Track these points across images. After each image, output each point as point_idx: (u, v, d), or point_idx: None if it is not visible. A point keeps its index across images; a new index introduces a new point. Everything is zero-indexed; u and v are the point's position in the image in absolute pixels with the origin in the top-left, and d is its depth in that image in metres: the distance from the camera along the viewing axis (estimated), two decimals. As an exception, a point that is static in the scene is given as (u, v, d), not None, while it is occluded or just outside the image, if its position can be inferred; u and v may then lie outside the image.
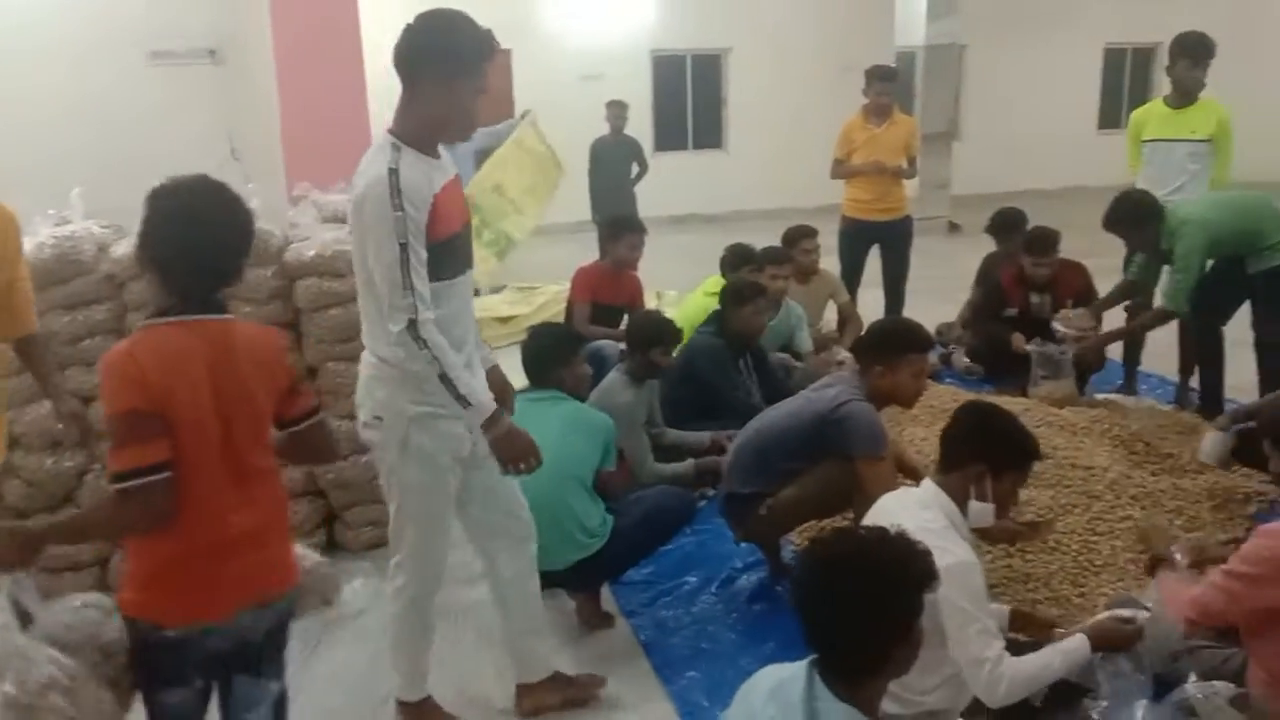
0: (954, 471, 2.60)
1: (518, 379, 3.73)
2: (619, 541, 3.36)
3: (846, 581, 1.77)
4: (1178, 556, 2.92)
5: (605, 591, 3.55)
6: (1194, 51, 5.20)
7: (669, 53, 13.94)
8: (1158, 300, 5.00)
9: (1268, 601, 2.42)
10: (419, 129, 2.50)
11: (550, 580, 3.39)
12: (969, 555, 2.49)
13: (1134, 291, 5.18)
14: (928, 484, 2.66)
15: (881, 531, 1.88)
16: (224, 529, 1.96)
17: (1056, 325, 5.11)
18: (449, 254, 2.50)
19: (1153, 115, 5.42)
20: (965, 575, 2.41)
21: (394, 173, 2.38)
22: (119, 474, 1.84)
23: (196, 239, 1.95)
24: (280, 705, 2.20)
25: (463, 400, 2.43)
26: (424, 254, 2.40)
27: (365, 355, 2.64)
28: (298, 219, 4.11)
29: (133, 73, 8.67)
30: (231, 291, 3.70)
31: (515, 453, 2.57)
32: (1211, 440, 4.18)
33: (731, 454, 3.67)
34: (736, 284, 4.82)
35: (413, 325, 2.37)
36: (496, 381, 2.78)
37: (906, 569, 1.80)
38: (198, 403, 1.91)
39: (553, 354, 3.56)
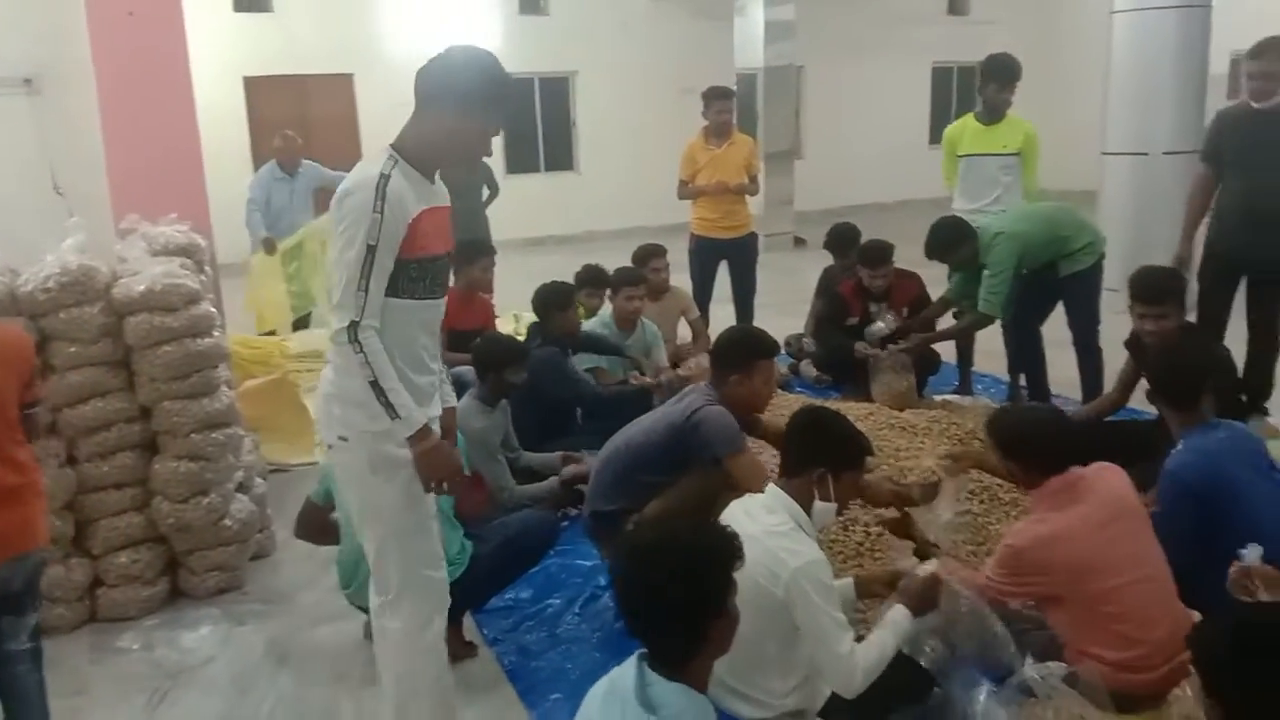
0: (797, 476, 2.71)
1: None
2: (480, 568, 3.33)
3: (658, 565, 1.84)
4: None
5: (468, 620, 3.50)
6: (999, 75, 5.61)
7: (516, 76, 13.94)
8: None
9: (1032, 592, 2.78)
10: (418, 150, 2.50)
11: (409, 611, 3.34)
12: (818, 553, 2.60)
13: (948, 307, 5.56)
14: (772, 489, 2.75)
15: (688, 520, 1.99)
16: None
17: (878, 325, 5.46)
18: (424, 274, 2.47)
19: (966, 131, 5.78)
20: (817, 572, 2.53)
21: (384, 178, 2.37)
22: None
23: None
24: (36, 630, 2.65)
25: (390, 409, 2.35)
26: (389, 265, 2.36)
27: (325, 372, 2.54)
28: (126, 253, 3.92)
29: (-60, 103, 8.15)
30: (57, 330, 3.57)
31: (438, 470, 2.45)
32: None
33: (594, 473, 3.68)
34: (555, 290, 4.94)
35: (353, 327, 2.32)
36: (447, 422, 2.69)
37: (712, 548, 1.88)
38: None
39: None
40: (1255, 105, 4.69)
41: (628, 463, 3.50)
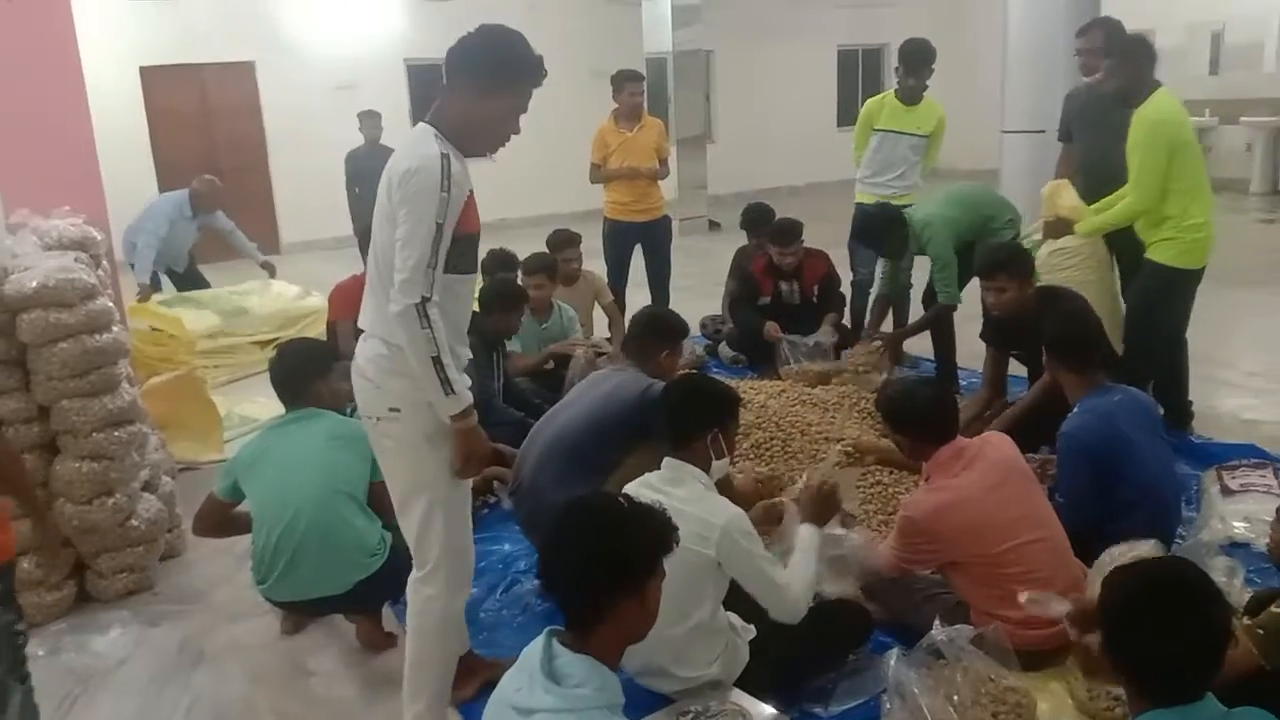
0: (691, 445, 2.79)
1: (278, 403, 3.61)
2: (399, 560, 3.29)
3: (589, 525, 1.89)
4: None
5: (387, 611, 3.47)
6: (909, 61, 5.85)
7: (424, 62, 13.73)
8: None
9: (931, 559, 2.91)
10: (452, 130, 2.52)
11: (328, 605, 3.30)
12: (734, 508, 2.75)
13: (891, 304, 5.68)
14: (669, 462, 2.80)
15: (627, 497, 2.01)
16: None
17: (854, 366, 5.40)
18: (469, 250, 2.55)
19: (885, 107, 5.98)
20: (741, 523, 2.67)
21: (446, 158, 2.41)
22: None
23: None
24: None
25: (448, 385, 2.39)
26: (448, 244, 2.40)
27: (370, 346, 2.55)
28: (17, 248, 3.78)
29: None
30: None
31: (475, 449, 2.52)
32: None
33: (531, 466, 3.60)
34: (506, 290, 4.85)
35: (425, 303, 2.35)
36: None
37: (647, 527, 1.91)
38: None
39: (307, 368, 3.43)
40: (1085, 80, 4.99)
41: (577, 446, 3.50)
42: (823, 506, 2.93)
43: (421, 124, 2.55)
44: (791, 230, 5.73)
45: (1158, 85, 4.24)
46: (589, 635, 1.87)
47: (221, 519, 3.39)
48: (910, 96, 5.89)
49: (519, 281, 5.38)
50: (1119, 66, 4.29)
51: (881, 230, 5.26)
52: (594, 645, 1.86)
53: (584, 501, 2.01)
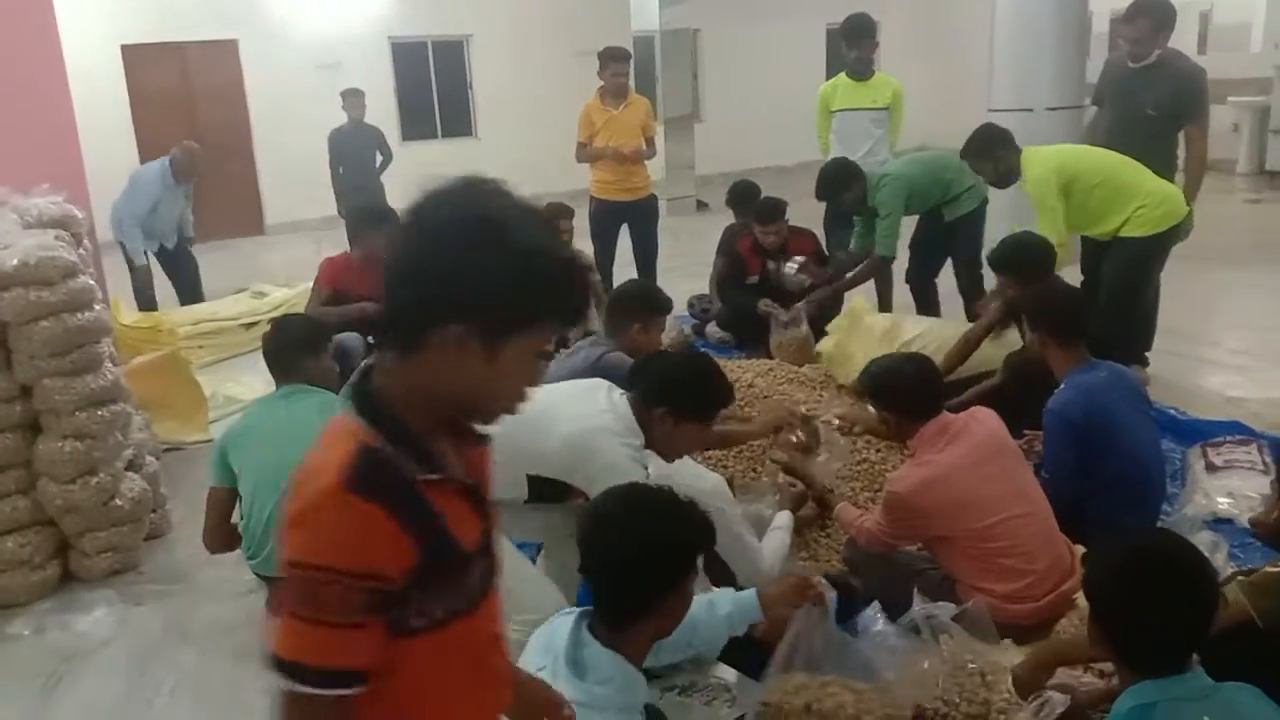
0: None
1: (264, 383, 3.58)
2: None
3: (637, 523, 1.86)
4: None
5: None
6: (849, 34, 6.04)
7: (409, 39, 13.64)
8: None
9: (918, 534, 2.90)
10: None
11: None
12: (714, 474, 2.95)
13: (864, 258, 5.62)
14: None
15: (674, 495, 1.95)
16: None
17: (789, 266, 5.50)
18: None
19: (839, 88, 6.14)
20: (723, 488, 2.85)
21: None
22: None
23: None
24: None
25: None
26: None
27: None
28: (-4, 226, 3.75)
29: None
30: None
31: None
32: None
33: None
34: None
35: None
36: None
37: (691, 526, 1.89)
38: None
39: (299, 343, 3.41)
40: (1132, 65, 4.97)
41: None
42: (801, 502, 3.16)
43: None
44: (774, 208, 5.71)
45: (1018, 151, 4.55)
46: (623, 627, 1.85)
47: (233, 529, 3.33)
48: (859, 70, 6.04)
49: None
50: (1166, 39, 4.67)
51: (835, 182, 5.31)
52: (626, 640, 1.85)
53: (632, 492, 1.98)
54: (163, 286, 7.33)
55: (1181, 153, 5.00)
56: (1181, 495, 3.79)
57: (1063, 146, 4.85)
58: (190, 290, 7.39)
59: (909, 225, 5.55)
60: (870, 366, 3.14)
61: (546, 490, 2.62)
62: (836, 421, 3.96)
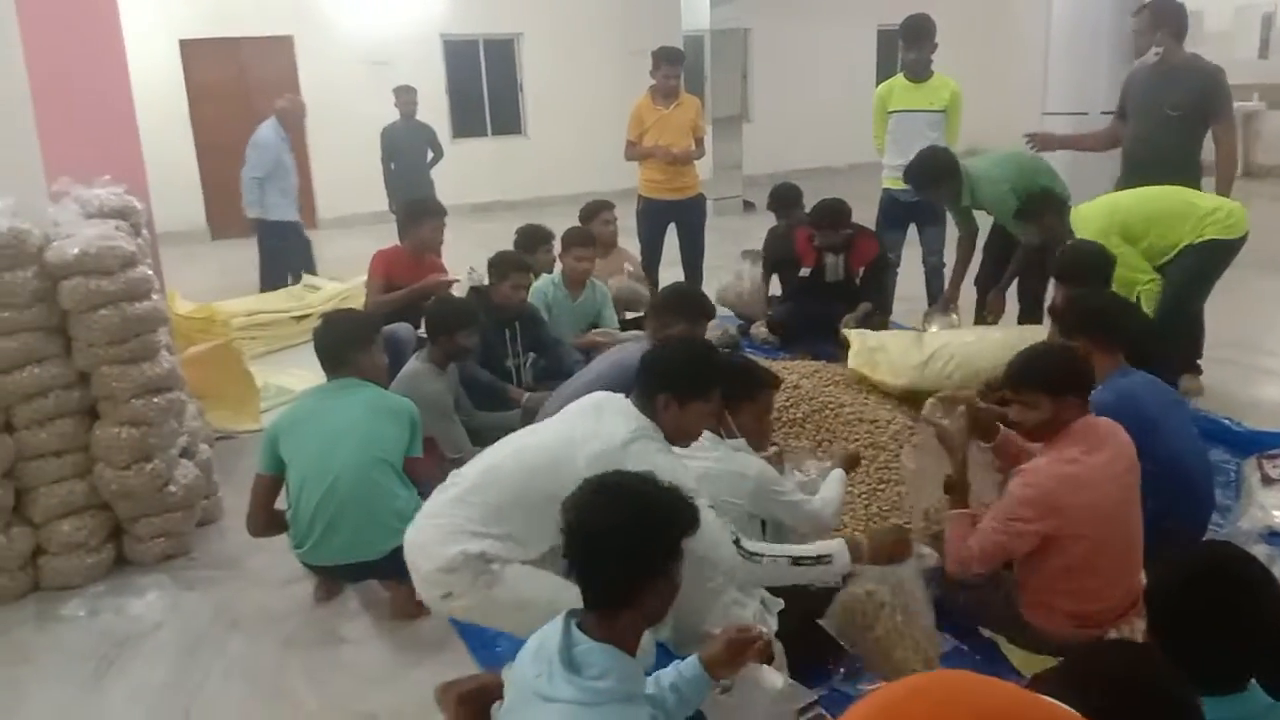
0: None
1: (315, 374, 3.63)
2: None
3: (615, 506, 1.86)
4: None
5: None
6: (907, 35, 5.94)
7: (461, 37, 13.74)
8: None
9: (1046, 531, 2.70)
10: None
11: (365, 570, 3.34)
12: (758, 460, 2.95)
13: (970, 242, 5.58)
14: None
15: (656, 481, 1.95)
16: None
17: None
18: None
19: (895, 89, 6.04)
20: (769, 471, 2.90)
21: None
22: None
23: None
24: None
25: None
26: None
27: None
28: (59, 216, 3.83)
29: None
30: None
31: None
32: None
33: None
34: (496, 260, 4.83)
35: None
36: None
37: (673, 509, 1.89)
38: None
39: (349, 337, 3.47)
40: (1136, 60, 5.09)
41: None
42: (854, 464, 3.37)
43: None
44: (835, 214, 5.60)
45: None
46: (610, 618, 1.85)
47: (275, 515, 3.42)
48: (916, 72, 5.94)
49: (557, 257, 5.38)
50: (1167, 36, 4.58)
51: (936, 173, 5.15)
52: (614, 629, 1.84)
53: (614, 478, 1.99)
54: (226, 274, 7.53)
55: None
56: (1236, 507, 3.72)
57: (1105, 198, 4.70)
58: (307, 265, 7.72)
59: (983, 226, 5.51)
60: (1026, 354, 2.93)
61: None
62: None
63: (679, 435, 2.67)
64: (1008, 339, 4.38)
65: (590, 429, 2.63)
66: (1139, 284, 4.37)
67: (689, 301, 3.81)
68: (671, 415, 2.63)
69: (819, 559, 2.58)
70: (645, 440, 2.57)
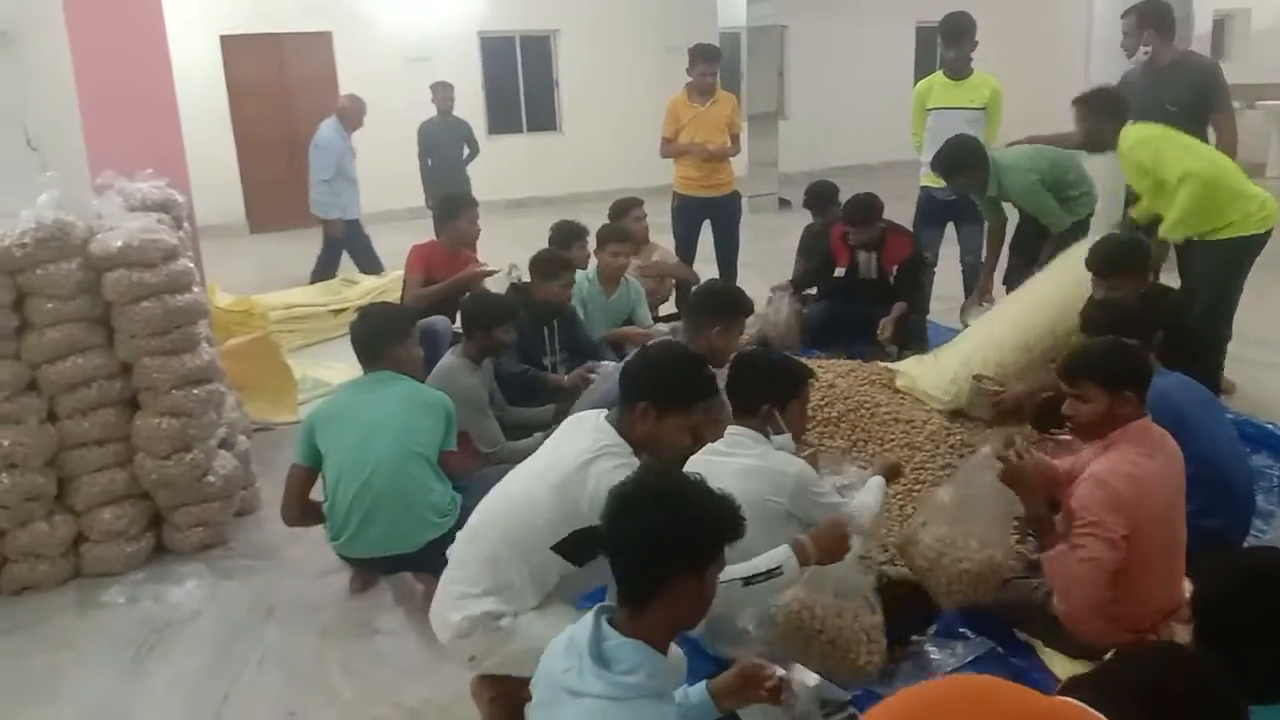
0: (753, 417, 2.87)
1: (351, 367, 3.65)
2: (470, 519, 3.34)
3: (660, 501, 1.85)
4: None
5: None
6: (946, 34, 5.91)
7: (497, 34, 13.79)
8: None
9: (1132, 528, 2.61)
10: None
11: (399, 563, 3.36)
12: (799, 461, 2.88)
13: (1000, 232, 5.56)
14: (734, 430, 2.89)
15: (703, 483, 1.93)
16: None
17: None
18: None
19: (934, 86, 6.02)
20: (808, 471, 2.87)
21: None
22: None
23: None
24: None
25: None
26: None
27: None
28: (102, 209, 3.89)
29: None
30: (35, 286, 3.53)
31: None
32: (971, 390, 4.34)
33: None
34: (543, 257, 4.80)
35: None
36: None
37: (718, 512, 1.86)
38: None
39: (385, 331, 3.50)
40: (1129, 61, 5.11)
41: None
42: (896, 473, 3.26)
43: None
44: (867, 208, 5.54)
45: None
46: (641, 614, 1.84)
47: (309, 505, 3.44)
48: (955, 69, 5.92)
49: (592, 253, 5.38)
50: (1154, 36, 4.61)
51: (963, 160, 5.11)
52: (645, 626, 1.83)
53: (658, 473, 1.98)
54: (264, 268, 7.61)
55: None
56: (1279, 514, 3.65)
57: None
58: (372, 261, 7.84)
59: (1008, 225, 5.45)
60: (1083, 347, 2.89)
61: (585, 547, 2.49)
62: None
63: (652, 447, 2.57)
64: (1025, 309, 4.47)
65: (553, 457, 2.59)
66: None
67: (724, 300, 3.73)
68: (648, 425, 2.53)
69: (770, 573, 2.43)
70: (607, 458, 2.47)
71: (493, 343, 4.16)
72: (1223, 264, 4.43)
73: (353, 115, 7.76)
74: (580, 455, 2.49)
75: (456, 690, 2.79)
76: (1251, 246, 4.43)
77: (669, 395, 2.55)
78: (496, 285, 5.12)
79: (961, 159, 5.12)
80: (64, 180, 3.85)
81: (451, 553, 2.69)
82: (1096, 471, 2.67)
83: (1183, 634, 2.62)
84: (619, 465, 2.43)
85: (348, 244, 7.84)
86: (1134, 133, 4.43)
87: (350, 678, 3.07)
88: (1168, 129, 4.45)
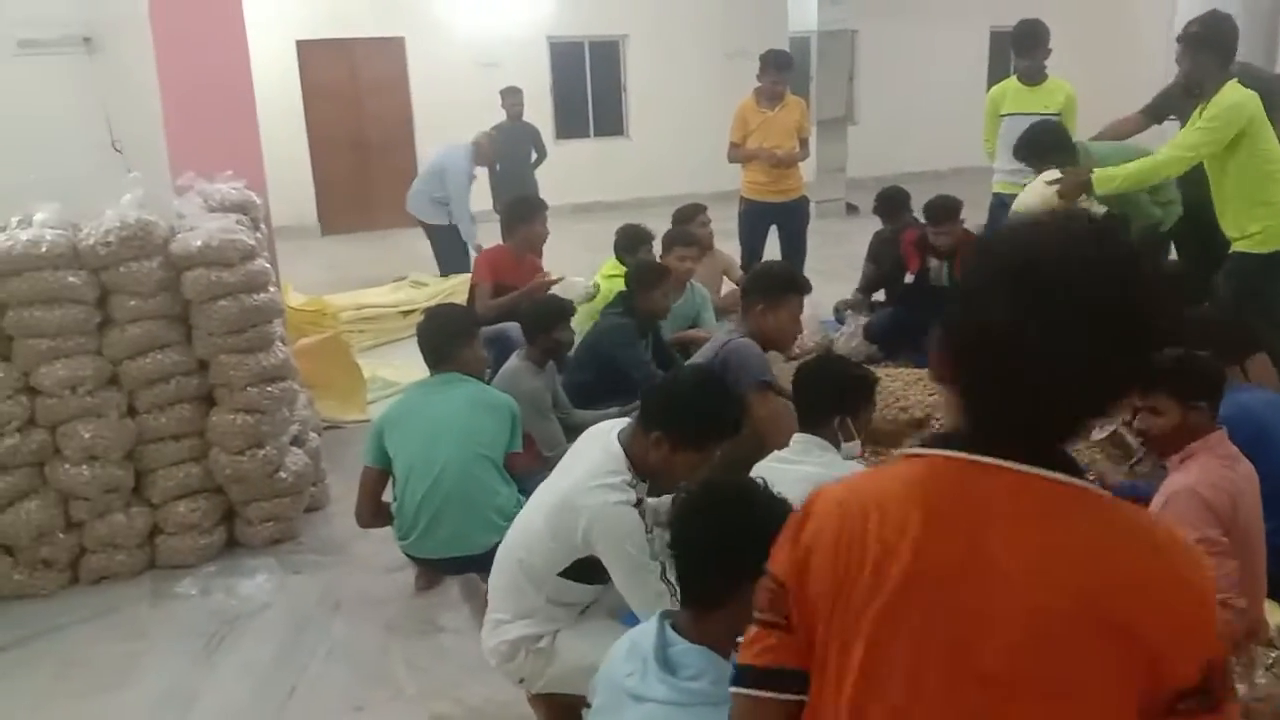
0: (822, 426, 2.83)
1: (418, 368, 3.69)
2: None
3: (729, 511, 1.84)
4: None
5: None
6: (1018, 43, 5.85)
7: (566, 39, 13.87)
8: None
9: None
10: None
11: (465, 564, 3.39)
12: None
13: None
14: (800, 438, 2.85)
15: (766, 489, 1.92)
16: None
17: None
18: None
19: (1009, 92, 5.92)
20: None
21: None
22: None
23: None
24: None
25: None
26: None
27: None
28: (183, 209, 3.99)
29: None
30: (117, 284, 3.64)
31: None
32: None
33: None
34: (645, 267, 4.79)
35: None
36: None
37: (784, 511, 1.84)
38: None
39: (452, 332, 3.54)
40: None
41: None
42: None
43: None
44: (948, 209, 5.49)
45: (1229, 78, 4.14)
46: (706, 619, 1.83)
47: (382, 506, 3.48)
48: (1029, 77, 5.82)
49: (658, 257, 5.37)
50: (1182, 54, 4.29)
51: (1048, 145, 4.88)
52: (709, 632, 1.82)
53: (727, 479, 1.98)
54: (335, 268, 7.70)
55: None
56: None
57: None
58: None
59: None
60: (1159, 359, 2.84)
61: (590, 571, 2.45)
62: None
63: (659, 477, 2.48)
64: None
65: (563, 478, 2.55)
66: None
67: (775, 278, 3.60)
68: (660, 455, 2.41)
69: None
70: (602, 490, 2.38)
71: (553, 344, 4.18)
72: (1247, 275, 4.14)
73: (486, 154, 8.00)
74: (577, 484, 2.42)
75: (517, 690, 2.80)
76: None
77: (685, 432, 2.41)
78: (570, 291, 5.06)
79: (1045, 140, 4.90)
80: (147, 181, 3.97)
81: (489, 578, 2.69)
82: (1184, 483, 2.56)
83: (1263, 658, 2.54)
84: (614, 502, 2.35)
85: (445, 240, 7.91)
86: (1244, 94, 4.16)
87: (414, 673, 3.11)
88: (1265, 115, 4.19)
